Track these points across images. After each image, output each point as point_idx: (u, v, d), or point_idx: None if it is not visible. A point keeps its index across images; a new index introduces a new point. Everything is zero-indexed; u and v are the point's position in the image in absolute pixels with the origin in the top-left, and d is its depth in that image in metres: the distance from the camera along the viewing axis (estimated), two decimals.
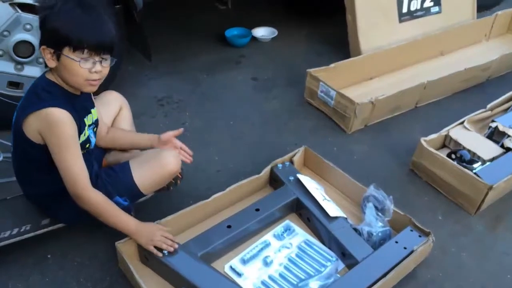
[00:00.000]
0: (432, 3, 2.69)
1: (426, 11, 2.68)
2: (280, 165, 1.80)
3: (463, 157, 1.81)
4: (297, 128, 2.20)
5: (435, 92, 2.36)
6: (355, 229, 1.59)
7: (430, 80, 2.27)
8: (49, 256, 1.53)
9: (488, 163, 1.80)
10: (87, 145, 1.43)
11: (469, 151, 1.86)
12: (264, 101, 2.37)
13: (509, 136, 1.89)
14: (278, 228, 1.66)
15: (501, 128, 1.92)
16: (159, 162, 1.49)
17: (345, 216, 1.64)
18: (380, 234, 1.57)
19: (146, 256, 1.46)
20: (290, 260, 1.55)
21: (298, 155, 1.87)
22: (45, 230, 1.50)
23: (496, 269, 1.59)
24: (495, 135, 1.95)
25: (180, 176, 1.62)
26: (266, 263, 1.53)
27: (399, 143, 2.11)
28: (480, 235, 1.71)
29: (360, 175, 1.83)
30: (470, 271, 1.59)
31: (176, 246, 1.43)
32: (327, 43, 2.85)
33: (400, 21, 2.62)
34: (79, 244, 1.57)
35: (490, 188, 1.67)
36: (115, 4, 2.22)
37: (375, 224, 1.59)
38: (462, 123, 1.99)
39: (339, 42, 2.73)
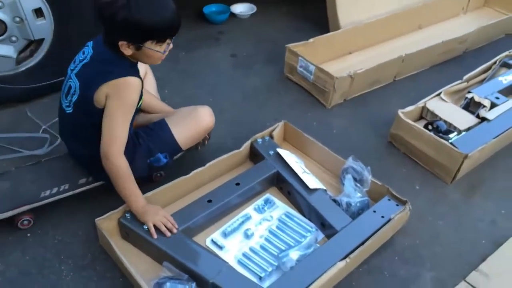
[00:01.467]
0: None
1: None
2: (260, 140, 1.80)
3: (440, 128, 1.83)
4: (277, 103, 2.20)
5: (413, 65, 2.37)
6: (334, 200, 1.61)
7: (408, 53, 2.27)
8: (29, 234, 1.52)
9: (463, 133, 1.82)
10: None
11: (445, 122, 1.88)
12: (244, 77, 2.36)
13: (484, 106, 1.92)
14: (259, 202, 1.67)
15: (476, 99, 1.95)
16: (196, 118, 1.62)
17: (324, 188, 1.66)
18: (358, 204, 1.59)
19: (127, 232, 1.46)
20: (270, 232, 1.57)
21: (277, 129, 1.87)
22: (83, 188, 1.57)
23: (471, 235, 1.63)
24: (471, 106, 1.97)
25: (208, 137, 1.76)
26: (247, 236, 1.55)
27: (377, 116, 2.12)
28: (456, 203, 1.75)
29: (339, 148, 1.84)
30: (446, 238, 1.62)
31: (175, 231, 1.42)
32: (307, 19, 2.83)
33: None
34: (59, 222, 1.56)
35: (466, 157, 1.70)
36: None
37: (353, 195, 1.61)
38: (439, 94, 2.00)
39: (319, 17, 2.72)
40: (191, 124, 1.61)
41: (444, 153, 1.76)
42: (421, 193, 1.78)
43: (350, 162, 1.69)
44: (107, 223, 1.45)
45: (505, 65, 2.21)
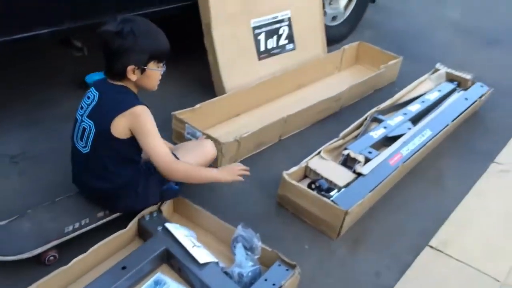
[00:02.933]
0: (287, 41, 2.86)
1: (282, 49, 2.85)
2: (147, 216, 1.74)
3: (321, 186, 1.91)
4: None
5: (296, 124, 2.50)
6: (226, 273, 1.58)
7: (289, 114, 2.39)
8: None
9: (343, 189, 1.93)
10: None
11: (326, 179, 1.97)
12: None
13: (359, 161, 2.06)
14: (149, 283, 1.58)
15: (352, 155, 2.08)
16: (203, 150, 1.87)
17: (216, 260, 1.63)
18: (250, 274, 1.58)
19: None
20: None
21: (166, 202, 1.82)
22: (103, 221, 1.71)
23: None
24: (348, 161, 2.11)
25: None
26: None
27: (266, 177, 2.16)
28: (342, 258, 1.81)
29: (231, 214, 1.85)
30: None
31: (248, 173, 1.79)
32: (195, 83, 2.87)
33: (259, 59, 2.74)
34: None
35: (346, 213, 1.79)
36: None
37: (245, 265, 1.60)
38: (319, 153, 2.11)
39: (206, 82, 2.77)
40: (198, 155, 1.84)
41: (327, 210, 1.84)
42: (310, 252, 1.82)
43: (239, 230, 1.69)
44: None
45: (375, 120, 2.42)
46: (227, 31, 2.57)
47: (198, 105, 2.34)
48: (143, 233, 1.73)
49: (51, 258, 1.61)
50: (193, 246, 1.63)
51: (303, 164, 2.05)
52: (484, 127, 2.66)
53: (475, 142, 2.52)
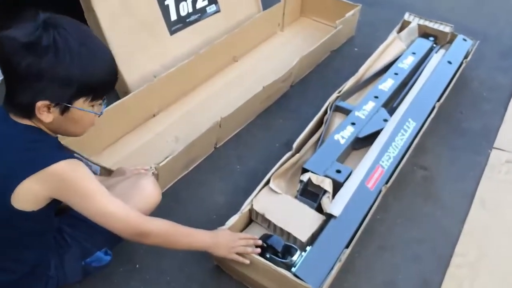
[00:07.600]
0: (206, 2, 2.00)
1: (201, 13, 1.99)
2: None
3: (275, 247, 1.21)
4: None
5: (234, 125, 1.75)
6: None
7: (224, 117, 1.62)
8: None
9: (308, 248, 1.23)
10: None
11: (281, 230, 1.28)
12: None
13: (326, 191, 1.35)
14: None
15: (314, 180, 1.37)
16: (139, 194, 1.18)
17: None
18: None
19: None
20: None
21: None
22: None
23: None
24: (310, 186, 1.40)
25: None
26: None
27: (200, 218, 1.44)
28: None
29: (149, 285, 1.23)
30: None
31: (260, 242, 1.21)
32: None
33: (172, 32, 1.89)
34: None
35: None
36: None
37: None
38: (268, 182, 1.39)
39: None
40: (136, 202, 1.14)
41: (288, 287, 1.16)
42: None
43: None
44: None
45: (337, 109, 1.69)
46: (117, 1, 1.68)
47: None
48: None
49: None
50: None
51: (245, 208, 1.32)
52: (471, 94, 1.99)
53: (464, 119, 1.86)
